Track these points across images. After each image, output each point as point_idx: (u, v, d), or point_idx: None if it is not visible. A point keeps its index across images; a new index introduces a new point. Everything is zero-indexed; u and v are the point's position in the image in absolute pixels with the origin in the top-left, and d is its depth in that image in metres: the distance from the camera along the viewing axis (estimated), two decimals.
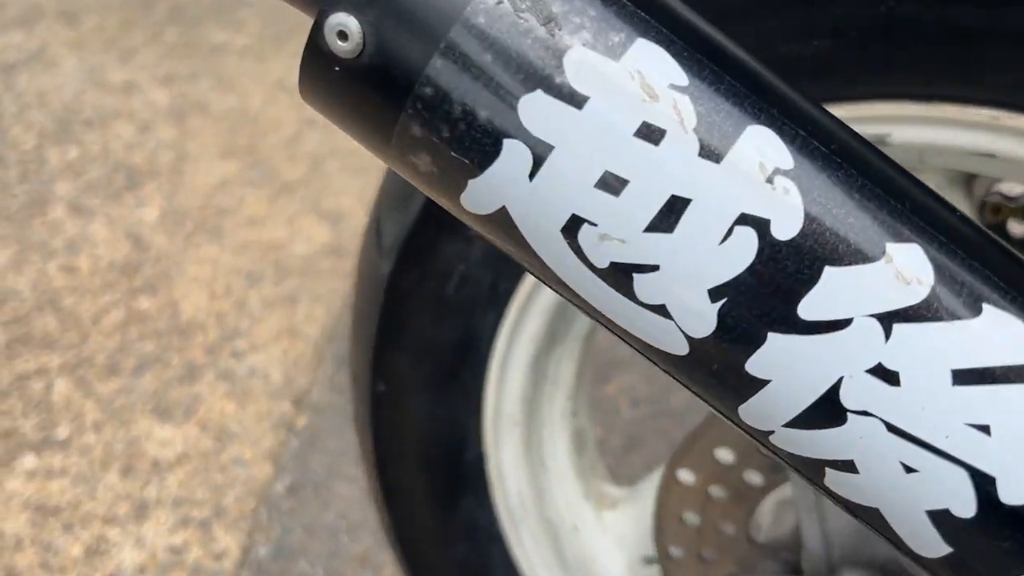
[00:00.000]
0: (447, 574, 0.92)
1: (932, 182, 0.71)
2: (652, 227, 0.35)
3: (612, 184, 0.35)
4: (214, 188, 2.04)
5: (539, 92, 0.35)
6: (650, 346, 0.37)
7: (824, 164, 0.35)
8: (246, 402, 1.60)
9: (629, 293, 0.36)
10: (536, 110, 0.35)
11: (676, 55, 0.35)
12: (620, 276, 0.36)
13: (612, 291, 0.37)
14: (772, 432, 0.37)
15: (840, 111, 0.66)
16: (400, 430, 0.88)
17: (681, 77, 0.35)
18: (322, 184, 2.05)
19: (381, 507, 0.92)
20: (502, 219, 0.37)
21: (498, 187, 0.37)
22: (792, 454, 0.38)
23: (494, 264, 0.79)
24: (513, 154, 0.36)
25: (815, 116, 0.37)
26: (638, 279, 0.36)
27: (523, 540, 0.91)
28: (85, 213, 1.98)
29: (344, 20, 0.36)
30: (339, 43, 0.37)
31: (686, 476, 0.74)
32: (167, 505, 1.46)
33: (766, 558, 0.75)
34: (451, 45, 0.35)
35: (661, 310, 0.36)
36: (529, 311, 0.82)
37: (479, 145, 0.36)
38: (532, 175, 0.36)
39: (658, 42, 0.35)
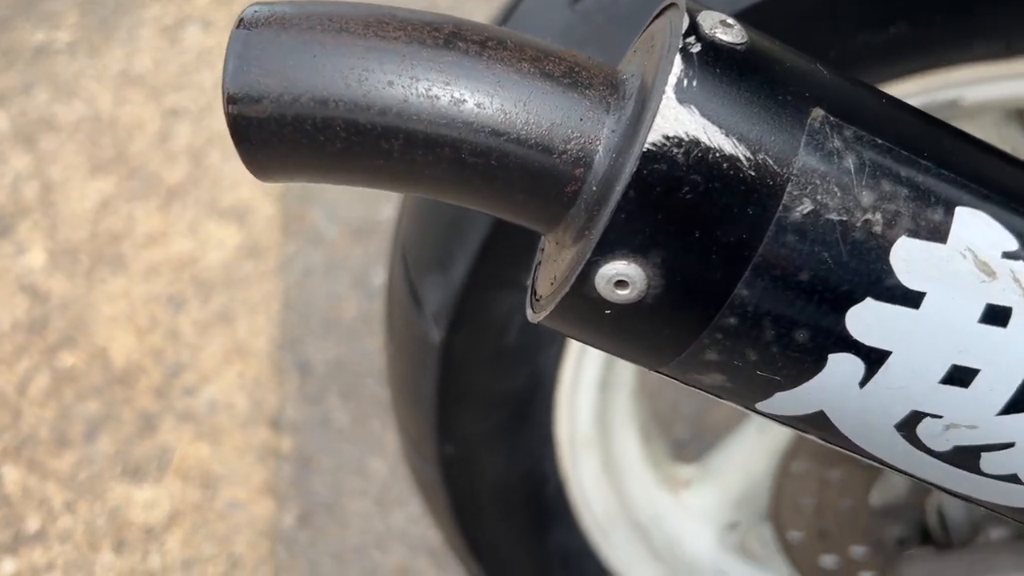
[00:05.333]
0: None
1: (990, 118, 0.70)
2: (1008, 409, 0.32)
3: (960, 377, 0.31)
4: (96, 212, 1.88)
5: (869, 300, 0.30)
6: (991, 503, 0.35)
7: None
8: (219, 439, 1.51)
9: (974, 469, 0.33)
10: (868, 319, 0.31)
11: (996, 215, 0.31)
12: (965, 457, 0.33)
13: (952, 468, 0.33)
14: None
15: (914, 84, 0.63)
16: (477, 484, 0.85)
17: (1009, 240, 0.31)
18: (211, 180, 1.91)
19: (471, 561, 0.89)
20: (816, 419, 0.33)
21: (817, 396, 0.33)
22: None
23: None
24: (840, 366, 0.31)
25: None
26: (987, 456, 0.33)
27: (616, 548, 0.90)
28: None
29: (623, 269, 0.30)
30: (617, 291, 0.31)
31: (799, 466, 0.73)
32: (176, 570, 1.39)
33: (888, 523, 0.75)
34: (758, 269, 0.30)
35: (1012, 479, 0.33)
36: None
37: (795, 363, 0.32)
38: (864, 383, 0.32)
39: (975, 205, 0.31)
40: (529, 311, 0.36)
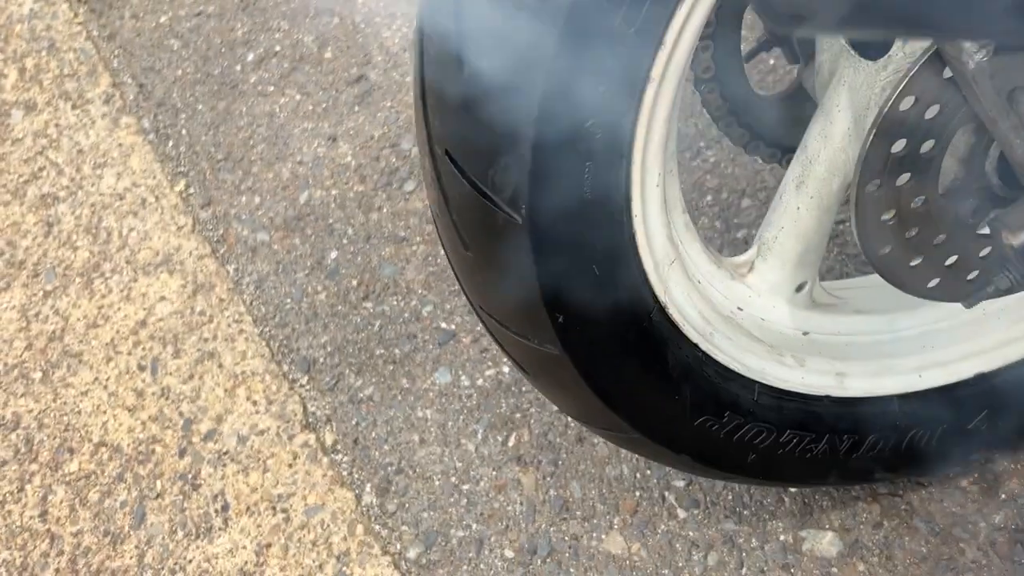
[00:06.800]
0: (688, 416, 0.97)
1: None
2: None
3: None
4: (21, 323, 1.81)
5: None
6: None
7: None
8: (264, 463, 1.51)
9: None
10: None
11: None
12: None
13: None
14: None
15: None
16: (596, 341, 0.89)
17: None
18: (117, 245, 1.86)
19: (609, 417, 0.94)
20: None
21: None
22: None
23: (611, 140, 0.79)
24: None
25: None
26: None
27: (721, 346, 0.97)
28: None
29: None
30: None
31: (871, 188, 0.81)
32: None
33: (958, 203, 0.84)
34: None
35: None
36: (648, 155, 0.83)
37: None
38: None
39: None
40: None
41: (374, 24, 1.96)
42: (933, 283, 0.89)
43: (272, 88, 1.95)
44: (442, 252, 1.65)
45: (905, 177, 0.81)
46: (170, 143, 1.96)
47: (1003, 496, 1.19)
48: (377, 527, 1.41)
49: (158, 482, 1.55)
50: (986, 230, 0.86)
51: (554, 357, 0.89)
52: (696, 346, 0.95)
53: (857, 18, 0.40)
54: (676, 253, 0.92)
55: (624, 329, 0.90)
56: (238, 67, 2.01)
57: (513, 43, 0.71)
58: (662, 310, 0.91)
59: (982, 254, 0.88)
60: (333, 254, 1.69)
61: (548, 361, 0.90)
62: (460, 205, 0.82)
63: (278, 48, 2.01)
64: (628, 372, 0.92)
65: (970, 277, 0.89)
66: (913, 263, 0.86)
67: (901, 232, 0.84)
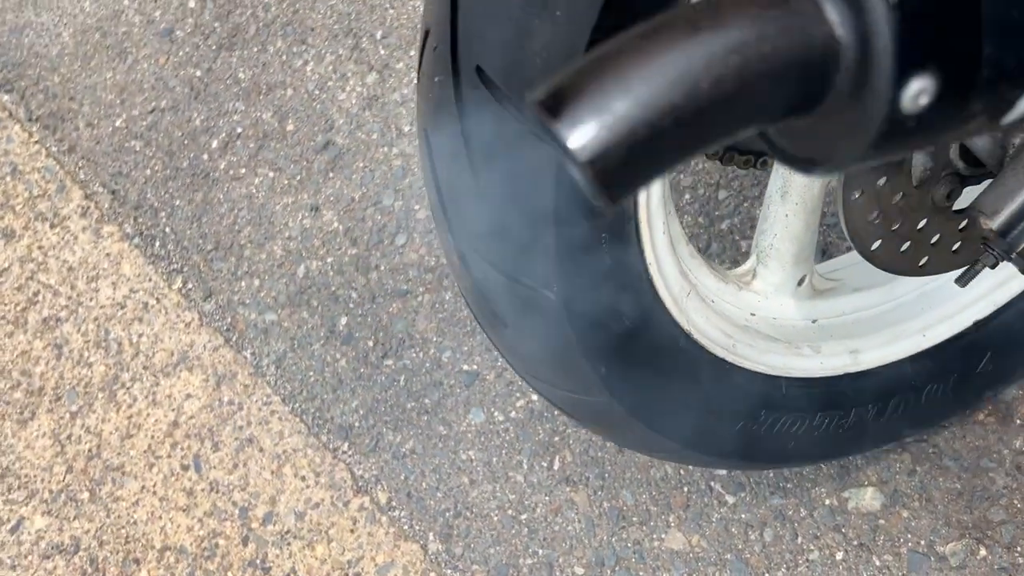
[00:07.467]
0: (729, 424, 1.05)
1: None
2: None
3: None
4: (55, 448, 1.86)
5: None
6: None
7: None
8: (326, 533, 1.58)
9: None
10: None
11: None
12: None
13: None
14: None
15: None
16: (639, 382, 0.97)
17: None
18: (130, 353, 1.91)
19: (661, 440, 1.02)
20: None
21: None
22: None
23: (619, 209, 0.86)
24: None
25: None
26: None
27: (745, 354, 1.05)
28: None
29: (924, 85, 0.42)
30: (919, 102, 0.42)
31: (855, 197, 0.89)
32: None
33: (931, 190, 0.92)
34: None
35: None
36: (652, 210, 0.91)
37: None
38: None
39: None
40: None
41: (328, 88, 2.02)
42: (923, 261, 0.97)
43: (244, 170, 2.01)
44: (447, 296, 1.72)
45: (882, 181, 0.89)
46: (157, 243, 2.01)
47: (1018, 422, 1.29)
48: (449, 572, 1.48)
49: (228, 574, 1.61)
50: (960, 206, 0.95)
51: (603, 403, 0.97)
52: (723, 360, 1.03)
53: (881, 151, 0.45)
54: (689, 284, 0.99)
55: (658, 363, 0.98)
56: (205, 156, 2.06)
57: (523, 144, 0.78)
58: (688, 337, 0.99)
59: (961, 227, 0.97)
60: (343, 320, 1.75)
61: (598, 408, 0.98)
62: (495, 291, 0.90)
63: (239, 129, 2.06)
64: (669, 399, 1.00)
65: (954, 248, 0.98)
66: (902, 249, 0.95)
67: (887, 227, 0.93)
